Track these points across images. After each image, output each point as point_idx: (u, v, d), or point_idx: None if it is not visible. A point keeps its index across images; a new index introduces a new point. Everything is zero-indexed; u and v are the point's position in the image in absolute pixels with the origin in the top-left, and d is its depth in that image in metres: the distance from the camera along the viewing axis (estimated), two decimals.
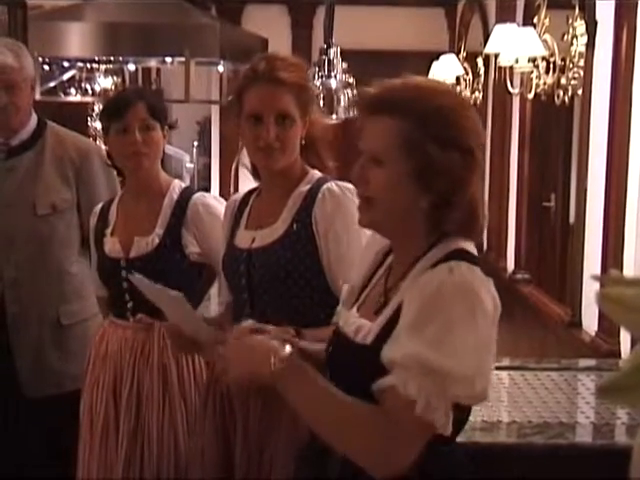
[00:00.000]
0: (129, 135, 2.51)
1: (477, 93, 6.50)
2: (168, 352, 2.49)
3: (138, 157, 2.53)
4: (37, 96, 3.13)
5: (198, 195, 2.61)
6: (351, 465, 1.53)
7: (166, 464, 2.45)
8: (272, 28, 6.57)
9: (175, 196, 2.59)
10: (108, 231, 2.64)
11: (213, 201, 2.61)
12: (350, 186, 2.12)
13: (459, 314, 1.45)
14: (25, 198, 2.98)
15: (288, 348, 1.58)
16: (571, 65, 4.45)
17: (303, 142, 2.18)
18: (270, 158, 2.14)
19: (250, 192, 2.33)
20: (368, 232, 1.81)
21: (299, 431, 2.03)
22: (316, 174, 2.20)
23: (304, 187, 2.16)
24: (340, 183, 2.13)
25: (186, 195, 2.59)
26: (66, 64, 5.11)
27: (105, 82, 6.49)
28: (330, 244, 2.09)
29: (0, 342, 2.96)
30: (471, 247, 1.59)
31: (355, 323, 1.63)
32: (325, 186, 2.13)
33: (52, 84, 5.27)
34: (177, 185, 2.63)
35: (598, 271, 3.91)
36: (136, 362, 2.51)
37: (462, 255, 1.55)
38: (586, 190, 4.27)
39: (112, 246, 2.60)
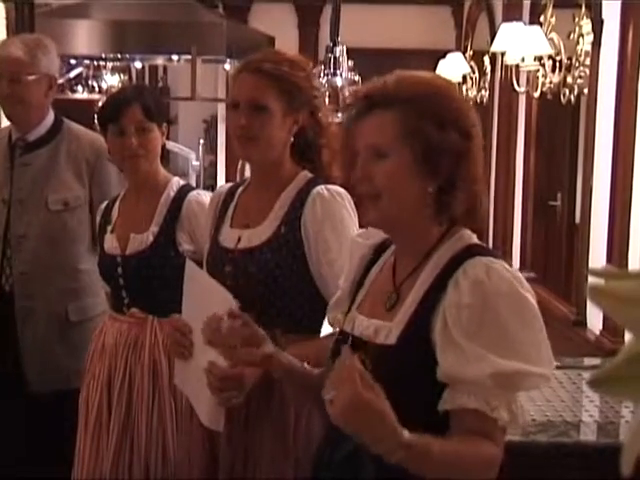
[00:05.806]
0: (125, 138, 2.51)
1: (483, 92, 6.48)
2: (160, 348, 2.49)
3: (135, 159, 2.53)
4: None
5: (193, 193, 2.61)
6: (386, 468, 1.49)
7: (154, 460, 2.46)
8: (279, 26, 6.57)
9: (172, 194, 2.59)
10: (109, 228, 2.65)
11: (208, 199, 2.61)
12: (341, 190, 2.09)
13: (513, 318, 1.48)
14: (38, 193, 2.99)
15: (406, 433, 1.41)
16: (577, 64, 4.44)
17: (292, 140, 2.12)
18: (244, 147, 2.11)
19: (237, 185, 2.29)
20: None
21: (285, 438, 2.02)
22: (307, 175, 2.15)
23: (294, 188, 2.12)
24: (331, 187, 2.09)
25: (182, 193, 2.60)
26: (73, 61, 5.12)
27: (112, 80, 6.51)
28: (320, 250, 2.05)
29: (8, 336, 2.97)
30: (477, 239, 1.63)
31: (371, 325, 1.61)
32: (315, 190, 2.09)
33: (59, 81, 5.27)
34: (175, 183, 2.63)
35: None
36: (129, 356, 2.52)
37: (480, 250, 1.58)
38: (592, 189, 4.27)
39: (110, 243, 2.62)
